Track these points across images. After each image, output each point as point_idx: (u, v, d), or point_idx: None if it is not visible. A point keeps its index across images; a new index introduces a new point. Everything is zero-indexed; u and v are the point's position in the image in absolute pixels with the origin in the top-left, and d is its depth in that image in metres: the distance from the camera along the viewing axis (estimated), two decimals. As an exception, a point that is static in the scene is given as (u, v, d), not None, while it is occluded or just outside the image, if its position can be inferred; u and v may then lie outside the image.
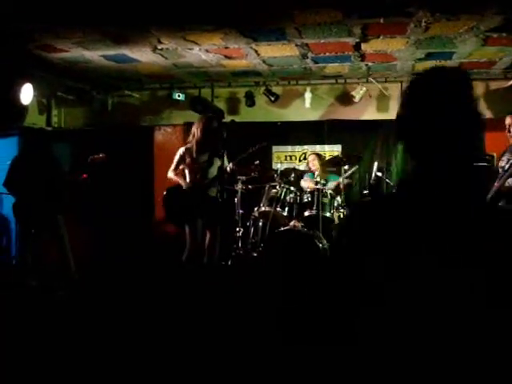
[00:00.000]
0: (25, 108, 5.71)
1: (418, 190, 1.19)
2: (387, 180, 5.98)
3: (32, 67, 6.00)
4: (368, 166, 6.66)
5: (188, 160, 5.04)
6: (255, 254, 5.79)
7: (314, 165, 6.36)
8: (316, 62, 6.02)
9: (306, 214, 5.71)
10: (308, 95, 6.88)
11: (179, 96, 6.95)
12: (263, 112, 7.18)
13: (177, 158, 5.12)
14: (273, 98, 6.89)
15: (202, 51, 5.52)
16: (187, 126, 6.70)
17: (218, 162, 5.01)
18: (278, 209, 5.69)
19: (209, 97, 7.12)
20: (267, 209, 5.75)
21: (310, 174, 6.49)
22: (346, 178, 6.11)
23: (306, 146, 7.24)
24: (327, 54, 5.62)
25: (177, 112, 7.37)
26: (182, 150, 5.11)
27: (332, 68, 6.31)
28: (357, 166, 6.25)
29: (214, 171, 5.03)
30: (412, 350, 1.13)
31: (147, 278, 5.42)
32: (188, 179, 5.06)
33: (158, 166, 7.14)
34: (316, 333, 1.20)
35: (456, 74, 1.25)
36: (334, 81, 6.92)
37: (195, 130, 5.06)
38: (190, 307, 4.24)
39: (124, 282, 5.44)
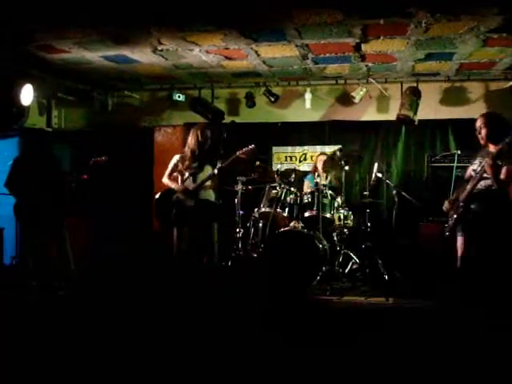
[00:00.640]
0: (25, 109, 5.70)
1: None
2: (387, 181, 5.97)
3: (32, 68, 6.01)
4: (368, 166, 6.67)
5: (181, 167, 5.16)
6: (255, 255, 5.79)
7: (321, 165, 6.31)
8: (316, 63, 6.02)
9: (307, 214, 5.70)
10: (308, 96, 6.89)
11: (179, 97, 6.96)
12: (263, 113, 7.18)
13: (171, 165, 5.24)
14: (273, 99, 6.90)
15: (202, 52, 5.52)
16: (187, 127, 6.72)
17: (209, 170, 5.11)
18: (278, 209, 5.69)
19: (209, 98, 7.13)
20: (267, 209, 5.75)
21: (310, 176, 6.48)
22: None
23: (306, 147, 7.24)
24: (327, 54, 5.62)
25: (177, 113, 7.38)
26: (176, 158, 5.23)
27: (332, 69, 6.31)
28: None
29: (203, 176, 5.09)
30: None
31: (147, 279, 5.42)
32: (180, 184, 5.15)
33: (157, 167, 7.12)
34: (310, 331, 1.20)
35: None
36: (334, 81, 6.92)
37: (189, 140, 5.17)
38: (190, 308, 4.24)
39: (124, 282, 5.44)
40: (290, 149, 7.30)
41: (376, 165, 6.01)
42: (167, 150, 6.95)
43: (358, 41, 5.11)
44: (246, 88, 7.08)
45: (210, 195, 5.18)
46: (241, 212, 5.96)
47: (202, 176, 5.09)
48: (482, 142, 4.17)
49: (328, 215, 5.68)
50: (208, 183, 5.10)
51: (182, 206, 5.05)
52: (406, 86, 6.62)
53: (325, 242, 5.48)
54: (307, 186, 6.40)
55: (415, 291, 5.01)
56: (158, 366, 3.10)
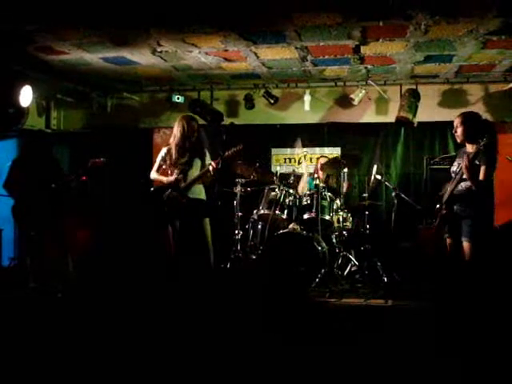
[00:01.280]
0: (24, 110, 5.70)
1: None
2: (386, 183, 5.97)
3: (31, 69, 6.00)
4: (367, 168, 6.67)
5: (168, 161, 5.04)
6: (254, 257, 5.79)
7: (322, 168, 6.29)
8: (315, 65, 6.02)
9: (305, 216, 5.69)
10: (307, 98, 6.89)
11: (178, 98, 6.96)
12: (262, 114, 7.18)
13: (158, 158, 5.13)
14: (272, 101, 6.89)
15: (202, 54, 5.52)
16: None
17: (198, 163, 5.02)
18: (278, 211, 5.68)
19: (208, 99, 7.13)
20: (266, 211, 5.74)
21: (309, 178, 6.46)
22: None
23: (305, 149, 7.23)
24: (326, 56, 5.63)
25: (176, 114, 7.26)
26: (163, 151, 5.11)
27: (331, 71, 6.31)
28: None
29: (194, 173, 5.00)
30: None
31: (146, 280, 5.40)
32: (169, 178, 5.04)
33: (157, 168, 7.12)
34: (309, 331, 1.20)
35: None
36: (333, 83, 6.92)
37: (175, 131, 5.04)
38: (189, 309, 4.23)
39: (123, 283, 5.43)
40: (289, 151, 7.30)
41: (375, 167, 6.00)
42: (166, 152, 6.95)
43: (357, 43, 5.12)
44: (246, 90, 7.08)
45: (200, 191, 5.06)
46: (240, 214, 5.96)
47: (191, 173, 4.98)
48: (458, 140, 4.22)
49: (327, 217, 5.67)
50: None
51: (174, 202, 4.96)
52: (405, 88, 6.63)
53: (324, 244, 5.47)
54: (302, 187, 6.34)
55: (414, 293, 5.01)
56: (157, 367, 3.09)
